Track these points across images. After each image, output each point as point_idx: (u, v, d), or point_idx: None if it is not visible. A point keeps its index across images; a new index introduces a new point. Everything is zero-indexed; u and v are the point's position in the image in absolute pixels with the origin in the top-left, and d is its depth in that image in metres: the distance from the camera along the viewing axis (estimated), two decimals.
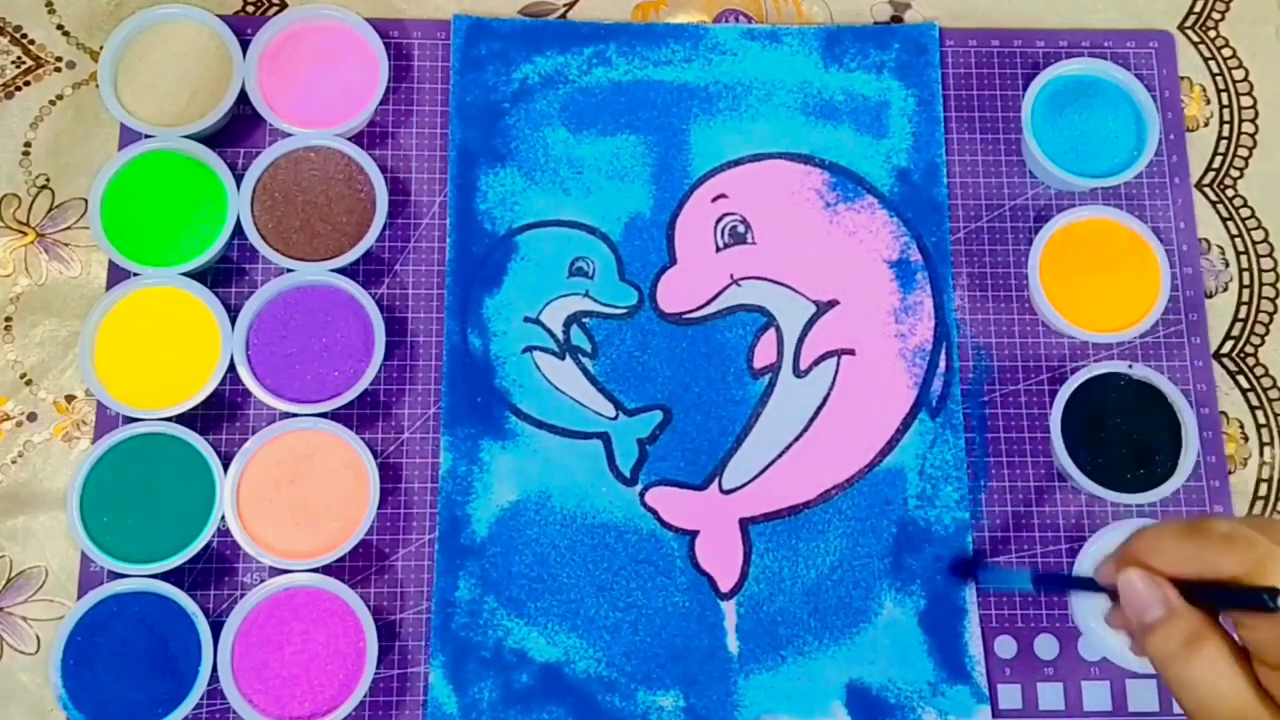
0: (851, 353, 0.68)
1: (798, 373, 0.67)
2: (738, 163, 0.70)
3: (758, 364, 0.67)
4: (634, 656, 0.64)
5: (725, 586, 0.65)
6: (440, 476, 0.65)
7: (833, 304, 0.68)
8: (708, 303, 0.68)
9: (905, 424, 0.67)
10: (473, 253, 0.68)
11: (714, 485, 0.66)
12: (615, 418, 0.67)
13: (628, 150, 0.70)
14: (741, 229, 0.69)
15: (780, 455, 0.66)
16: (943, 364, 0.68)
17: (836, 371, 0.67)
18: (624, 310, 0.68)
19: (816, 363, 0.68)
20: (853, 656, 0.64)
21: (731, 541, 0.65)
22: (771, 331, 0.68)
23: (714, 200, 0.69)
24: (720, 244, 0.69)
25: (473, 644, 0.63)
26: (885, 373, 0.68)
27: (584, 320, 0.68)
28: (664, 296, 0.68)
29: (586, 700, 0.63)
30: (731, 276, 0.69)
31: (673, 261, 0.69)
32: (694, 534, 0.65)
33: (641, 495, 0.66)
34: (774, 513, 0.66)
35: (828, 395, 0.67)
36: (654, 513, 0.65)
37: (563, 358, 0.67)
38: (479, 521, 0.65)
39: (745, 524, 0.66)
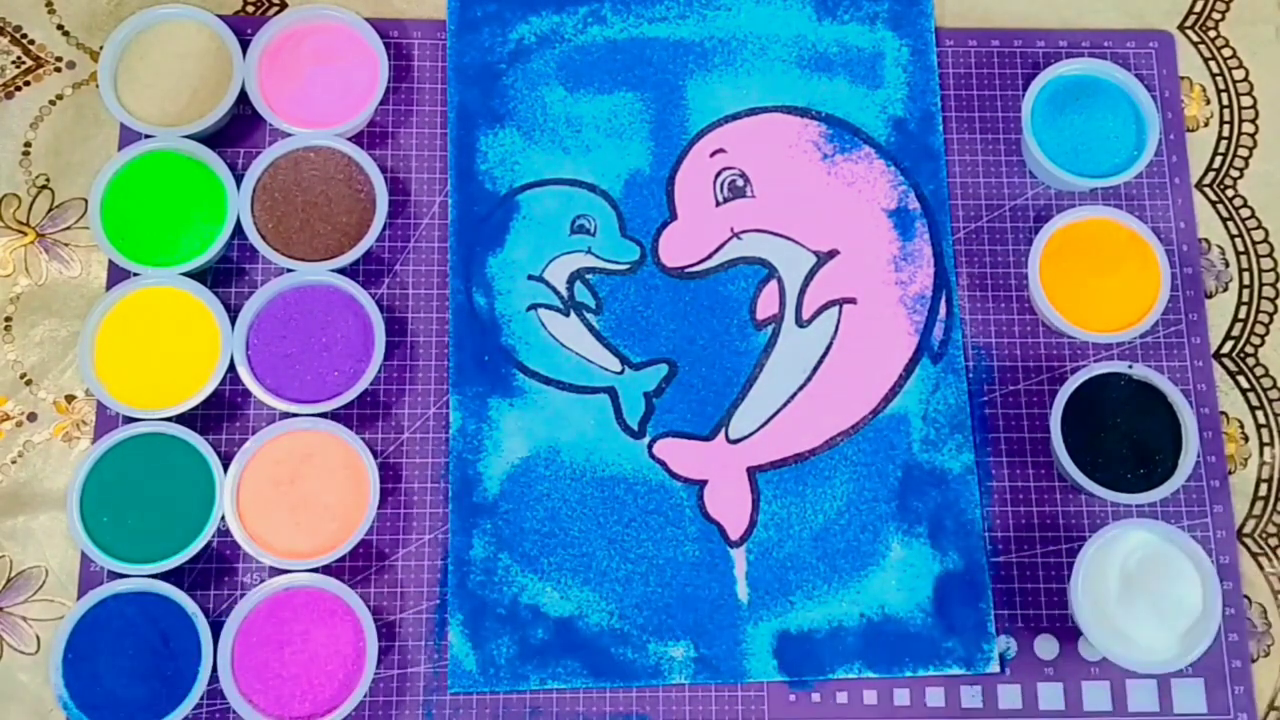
0: (853, 301, 0.68)
1: (800, 323, 0.68)
2: (735, 117, 0.71)
3: (760, 315, 0.68)
4: (645, 608, 0.64)
5: (735, 534, 0.65)
6: (450, 435, 0.66)
7: (833, 254, 0.69)
8: (709, 256, 0.69)
9: (908, 370, 0.68)
10: (475, 213, 0.69)
11: (721, 435, 0.67)
12: (621, 372, 0.67)
13: (625, 107, 0.71)
14: (740, 183, 0.70)
15: (786, 404, 0.67)
16: (943, 310, 0.68)
17: (839, 320, 0.68)
18: (626, 266, 0.69)
19: (818, 312, 0.68)
20: (861, 599, 0.64)
21: (740, 489, 0.66)
22: (773, 283, 0.68)
23: (712, 155, 0.70)
24: (720, 198, 0.70)
25: (489, 601, 0.64)
26: (887, 320, 0.68)
27: (587, 276, 0.68)
28: (666, 251, 0.69)
29: (600, 653, 0.64)
30: (732, 230, 0.69)
31: (673, 217, 0.69)
32: (702, 483, 0.66)
33: (649, 447, 0.66)
34: (781, 460, 0.66)
35: (830, 344, 0.68)
36: (662, 464, 0.66)
37: (567, 314, 0.68)
38: (490, 479, 0.66)
39: (753, 472, 0.66)
